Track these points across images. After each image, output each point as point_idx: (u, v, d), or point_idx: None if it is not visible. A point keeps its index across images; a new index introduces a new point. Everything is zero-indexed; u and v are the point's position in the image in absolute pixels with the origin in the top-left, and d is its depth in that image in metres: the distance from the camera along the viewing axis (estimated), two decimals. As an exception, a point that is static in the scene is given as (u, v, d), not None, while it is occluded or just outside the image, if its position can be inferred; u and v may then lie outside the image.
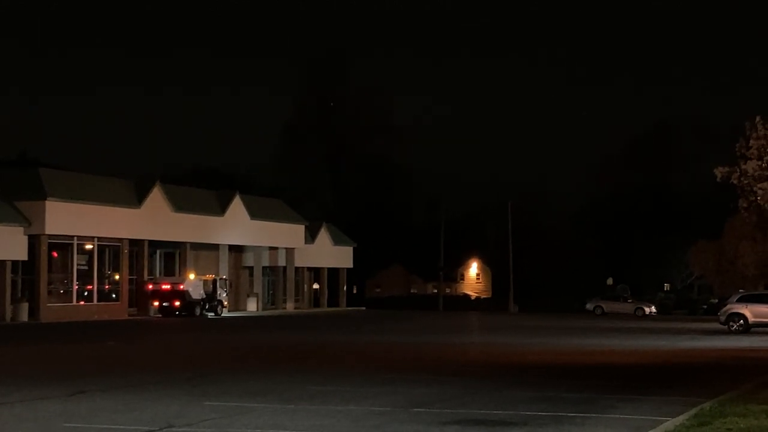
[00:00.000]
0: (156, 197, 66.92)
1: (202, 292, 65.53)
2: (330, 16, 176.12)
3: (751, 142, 29.29)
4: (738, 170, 29.53)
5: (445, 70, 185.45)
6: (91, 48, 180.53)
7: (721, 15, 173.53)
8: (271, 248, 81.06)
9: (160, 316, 63.91)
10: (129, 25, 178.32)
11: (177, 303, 63.82)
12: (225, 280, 71.23)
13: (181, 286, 64.34)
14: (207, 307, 65.71)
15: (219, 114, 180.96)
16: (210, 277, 68.65)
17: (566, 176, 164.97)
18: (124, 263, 65.58)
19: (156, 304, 64.74)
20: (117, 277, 65.66)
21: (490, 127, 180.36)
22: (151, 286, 65.79)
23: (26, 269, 60.10)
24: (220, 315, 66.34)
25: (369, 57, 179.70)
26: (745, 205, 30.41)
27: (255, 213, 76.49)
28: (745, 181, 29.43)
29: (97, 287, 64.47)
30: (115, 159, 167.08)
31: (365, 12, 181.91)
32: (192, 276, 67.17)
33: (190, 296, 64.30)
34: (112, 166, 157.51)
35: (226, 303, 69.07)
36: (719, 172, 29.79)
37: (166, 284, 65.16)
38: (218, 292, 67.41)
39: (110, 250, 65.82)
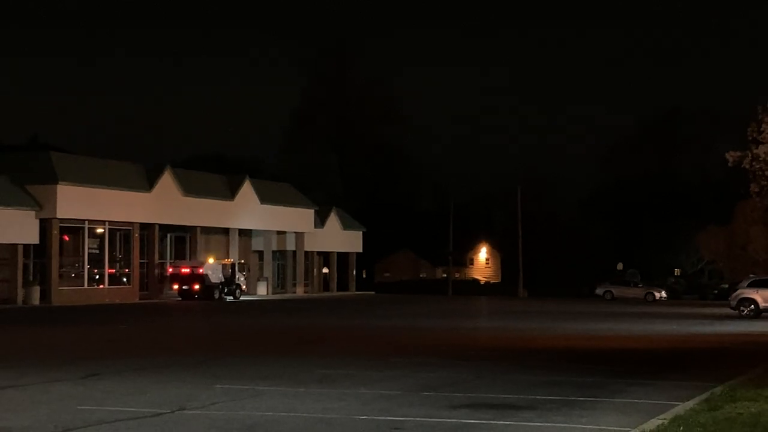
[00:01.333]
0: (166, 181, 67.02)
1: (221, 275, 66.38)
2: (339, 3, 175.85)
3: (763, 126, 29.11)
4: (750, 155, 29.35)
5: (453, 54, 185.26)
6: (97, 31, 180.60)
7: (731, 1, 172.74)
8: (281, 232, 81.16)
9: (180, 299, 64.81)
10: (137, 10, 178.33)
11: (196, 286, 64.76)
12: (244, 264, 72.08)
13: (201, 270, 65.12)
14: (225, 290, 66.63)
15: (227, 100, 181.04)
16: (229, 261, 69.31)
17: (576, 161, 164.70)
18: (135, 247, 65.78)
19: (176, 287, 65.66)
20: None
21: (498, 112, 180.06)
22: (171, 270, 66.99)
23: (38, 253, 60.32)
24: (238, 299, 67.17)
25: (378, 42, 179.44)
26: (756, 189, 30.22)
27: (265, 197, 76.57)
28: (757, 166, 29.25)
29: (108, 271, 64.67)
30: (123, 145, 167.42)
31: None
32: (211, 260, 67.80)
33: (209, 280, 65.10)
34: (121, 152, 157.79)
35: (244, 287, 70.00)
36: (731, 156, 29.61)
37: (185, 268, 65.91)
38: (236, 276, 68.10)
39: (121, 234, 66.00)
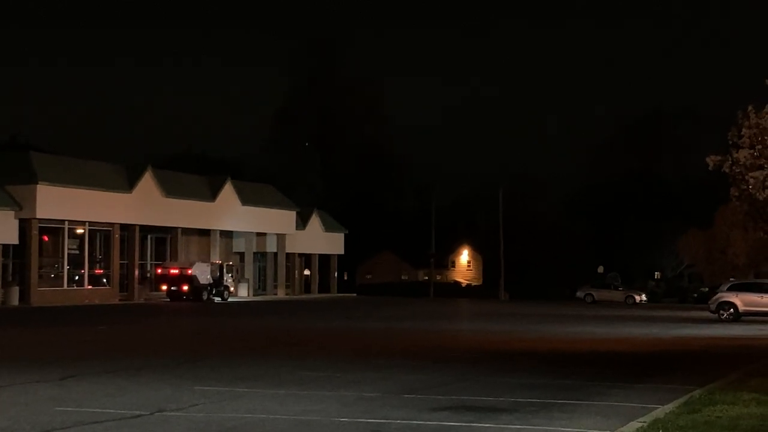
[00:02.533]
0: (147, 182, 66.84)
1: (209, 277, 66.61)
2: (323, 3, 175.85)
3: (743, 131, 29.29)
4: (730, 159, 29.52)
5: (436, 55, 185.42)
6: (76, 30, 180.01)
7: (713, 2, 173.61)
8: (262, 234, 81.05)
9: (168, 299, 64.94)
10: (120, 10, 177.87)
11: (185, 287, 64.86)
12: (232, 265, 72.40)
13: (190, 271, 65.28)
14: (214, 292, 66.79)
15: (209, 99, 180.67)
16: (218, 262, 69.51)
17: (558, 163, 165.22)
18: (115, 248, 65.56)
19: (164, 288, 65.73)
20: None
21: (481, 113, 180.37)
22: (159, 270, 67.19)
23: (17, 253, 60.08)
24: (226, 300, 67.54)
25: (361, 43, 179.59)
26: (736, 194, 30.41)
27: (246, 199, 76.46)
28: (737, 170, 29.43)
29: (88, 272, 64.46)
30: (103, 144, 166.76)
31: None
32: (216, 262, 68.98)
33: (197, 281, 65.33)
34: (101, 151, 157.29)
35: (232, 288, 70.18)
36: (711, 160, 29.78)
37: (174, 269, 66.06)
38: (225, 278, 68.24)
39: (101, 235, 65.80)
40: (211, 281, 66.75)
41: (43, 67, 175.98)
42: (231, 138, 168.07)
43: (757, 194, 29.62)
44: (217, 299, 66.80)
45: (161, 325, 42.40)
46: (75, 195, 61.43)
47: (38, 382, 19.48)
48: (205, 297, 65.55)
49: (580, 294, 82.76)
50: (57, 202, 60.16)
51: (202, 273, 66.10)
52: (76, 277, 63.76)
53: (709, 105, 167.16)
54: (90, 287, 63.97)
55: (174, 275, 65.43)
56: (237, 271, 75.82)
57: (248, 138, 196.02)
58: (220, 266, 68.62)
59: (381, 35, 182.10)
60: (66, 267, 62.83)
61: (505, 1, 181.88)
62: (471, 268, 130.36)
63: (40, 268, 60.71)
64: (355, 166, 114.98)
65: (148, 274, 71.06)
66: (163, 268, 67.14)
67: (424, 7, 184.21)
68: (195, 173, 76.37)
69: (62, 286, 62.28)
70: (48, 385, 19.09)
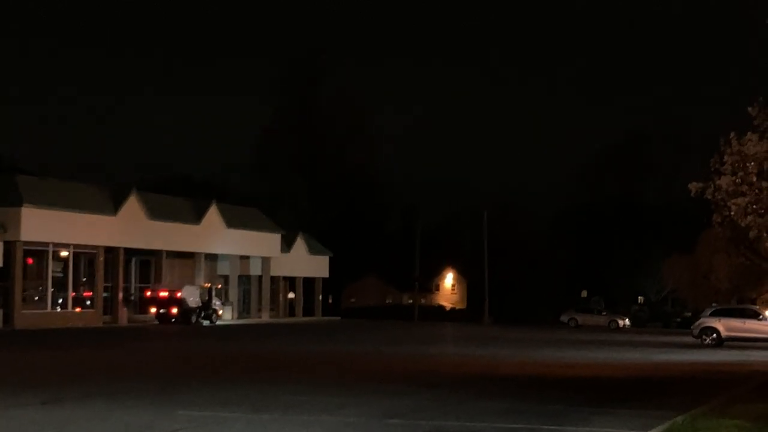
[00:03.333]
0: (132, 205, 66.75)
1: (198, 300, 66.78)
2: (307, 25, 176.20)
3: (726, 157, 29.42)
4: (712, 185, 29.66)
5: (421, 78, 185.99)
6: (61, 52, 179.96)
7: (697, 27, 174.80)
8: (246, 257, 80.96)
9: (157, 322, 64.99)
10: (100, 29, 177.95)
11: (174, 310, 65.02)
12: (220, 289, 72.52)
13: (179, 294, 65.42)
14: (202, 315, 66.93)
15: (195, 121, 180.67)
16: (207, 285, 69.85)
17: (543, 186, 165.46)
18: (100, 270, 65.40)
19: (153, 310, 65.99)
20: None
21: (466, 136, 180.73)
22: (149, 293, 67.34)
23: (1, 275, 59.75)
24: (214, 323, 67.56)
25: (346, 64, 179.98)
26: (718, 220, 30.52)
27: (231, 222, 76.41)
28: (719, 197, 29.54)
29: (72, 294, 64.24)
30: (88, 165, 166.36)
31: (342, 20, 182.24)
32: (205, 285, 69.39)
33: (186, 304, 65.48)
34: (86, 173, 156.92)
35: (220, 312, 70.39)
36: (693, 187, 29.90)
37: (163, 291, 66.24)
38: (213, 301, 68.48)
39: (86, 258, 65.62)
40: (200, 304, 66.95)
41: (29, 90, 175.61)
42: (215, 160, 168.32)
43: (740, 221, 29.74)
44: (206, 322, 66.85)
45: (145, 348, 42.28)
46: (60, 218, 61.27)
47: (20, 405, 19.43)
48: (193, 320, 65.65)
49: (564, 318, 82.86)
50: (42, 224, 59.97)
51: (191, 296, 66.32)
52: (60, 300, 63.54)
53: (693, 131, 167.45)
54: (74, 310, 63.71)
55: (163, 298, 65.65)
56: (225, 294, 75.80)
57: (233, 160, 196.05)
58: (209, 289, 68.87)
59: (362, 56, 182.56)
60: (50, 290, 62.60)
61: (485, 24, 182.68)
62: (455, 291, 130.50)
63: (24, 290, 60.45)
64: (340, 188, 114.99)
65: (132, 297, 70.92)
66: (152, 290, 67.32)
67: (408, 32, 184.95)
68: (180, 196, 76.32)
69: (46, 309, 62.04)
70: (29, 409, 19.04)
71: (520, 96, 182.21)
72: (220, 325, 66.68)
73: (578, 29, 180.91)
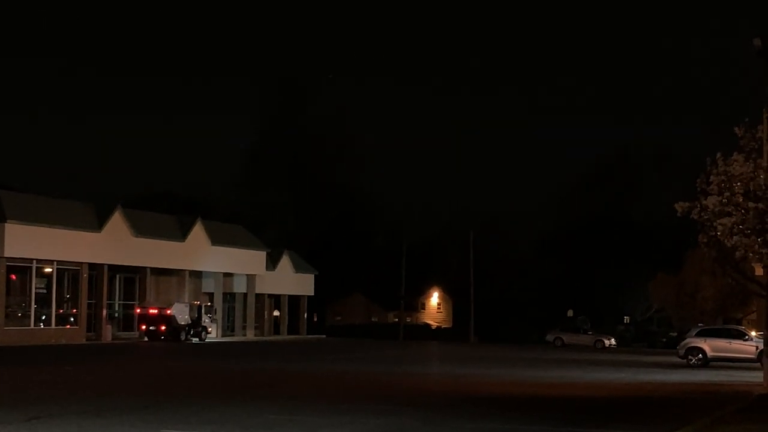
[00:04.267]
0: (117, 222, 66.54)
1: (187, 317, 67.13)
2: (294, 43, 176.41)
3: (712, 177, 29.54)
4: (698, 205, 29.74)
5: (408, 98, 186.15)
6: (48, 72, 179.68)
7: (685, 50, 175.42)
8: (230, 274, 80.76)
9: (147, 339, 65.44)
10: (87, 45, 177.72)
11: (163, 328, 65.48)
12: (211, 306, 72.81)
13: (168, 311, 65.84)
14: (192, 332, 67.24)
15: (179, 136, 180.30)
16: (196, 303, 70.17)
17: (529, 205, 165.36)
18: (83, 287, 65.10)
19: (143, 327, 66.27)
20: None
21: (453, 155, 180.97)
22: (139, 310, 67.86)
23: (-16, 292, 59.43)
24: (203, 340, 67.88)
25: (334, 83, 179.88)
26: (705, 240, 30.60)
27: (216, 239, 76.22)
28: (705, 217, 29.63)
29: (55, 311, 63.90)
30: (73, 182, 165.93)
31: (330, 39, 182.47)
32: (194, 302, 69.93)
33: (176, 321, 65.96)
34: (70, 190, 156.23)
35: (210, 329, 70.50)
36: (680, 207, 29.99)
37: (153, 309, 66.71)
38: (203, 318, 68.66)
39: (69, 274, 65.31)
40: (190, 321, 67.18)
41: (12, 106, 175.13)
42: (201, 178, 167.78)
43: (725, 241, 29.83)
44: (195, 339, 67.20)
45: (129, 365, 42.02)
46: (44, 234, 61.04)
47: (3, 423, 19.24)
48: (183, 337, 65.98)
49: (549, 337, 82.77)
50: (25, 240, 59.74)
51: (181, 313, 66.62)
52: (44, 317, 63.20)
53: (680, 150, 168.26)
54: (57, 327, 63.39)
55: (153, 315, 66.01)
56: (215, 311, 75.61)
57: (218, 177, 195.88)
58: (199, 307, 69.11)
59: (354, 76, 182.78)
60: (33, 306, 62.29)
61: (470, 45, 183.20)
62: (441, 310, 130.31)
63: (7, 307, 60.13)
64: (326, 206, 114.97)
65: (116, 314, 70.68)
66: (142, 308, 67.51)
67: (394, 52, 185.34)
68: (165, 213, 76.12)
69: (29, 326, 61.70)
70: (13, 426, 18.87)
71: (506, 115, 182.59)
72: (207, 343, 66.58)
73: (564, 49, 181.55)
